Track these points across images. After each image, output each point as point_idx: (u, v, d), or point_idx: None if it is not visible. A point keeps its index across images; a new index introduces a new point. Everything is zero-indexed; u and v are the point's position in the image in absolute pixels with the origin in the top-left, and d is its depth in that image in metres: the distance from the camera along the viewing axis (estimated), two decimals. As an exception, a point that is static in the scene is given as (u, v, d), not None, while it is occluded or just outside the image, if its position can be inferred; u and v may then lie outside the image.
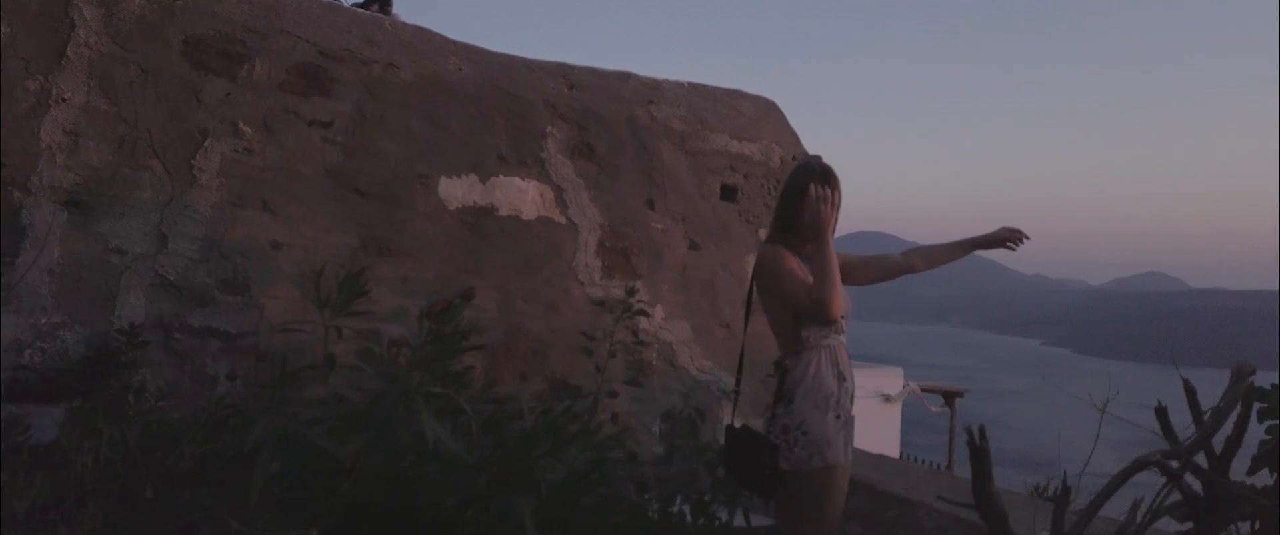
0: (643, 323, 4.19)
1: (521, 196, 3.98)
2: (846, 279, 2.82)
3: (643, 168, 4.32)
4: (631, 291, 3.76)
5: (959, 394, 15.82)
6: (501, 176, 3.94)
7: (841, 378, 2.74)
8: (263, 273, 3.34)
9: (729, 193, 4.59)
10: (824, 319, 2.65)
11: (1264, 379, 2.04)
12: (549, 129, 4.09)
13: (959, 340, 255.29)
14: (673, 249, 4.39)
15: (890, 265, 3.09)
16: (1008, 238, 3.05)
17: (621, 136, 4.27)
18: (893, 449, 13.73)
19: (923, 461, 16.29)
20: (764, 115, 4.77)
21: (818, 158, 2.90)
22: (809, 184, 2.71)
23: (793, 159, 4.77)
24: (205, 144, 3.27)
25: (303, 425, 2.23)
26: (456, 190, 3.82)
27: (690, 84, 4.62)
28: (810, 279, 2.64)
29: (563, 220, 4.10)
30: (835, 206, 2.71)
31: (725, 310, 4.52)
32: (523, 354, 3.94)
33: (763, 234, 4.67)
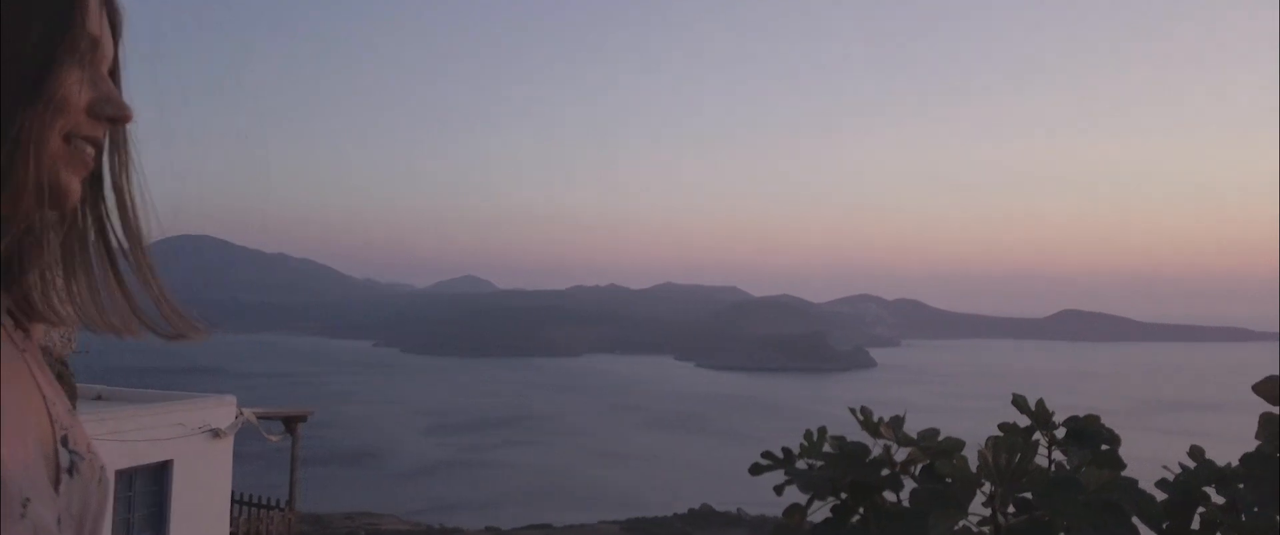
0: None
1: None
2: None
3: None
4: None
5: (302, 418, 13.79)
6: None
7: None
8: None
9: None
10: None
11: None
12: None
13: (289, 347, 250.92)
14: None
15: None
16: None
17: None
18: (224, 497, 10.99)
19: (265, 501, 13.68)
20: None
21: None
22: None
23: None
24: None
25: None
26: None
27: None
28: None
29: None
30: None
31: None
32: None
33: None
